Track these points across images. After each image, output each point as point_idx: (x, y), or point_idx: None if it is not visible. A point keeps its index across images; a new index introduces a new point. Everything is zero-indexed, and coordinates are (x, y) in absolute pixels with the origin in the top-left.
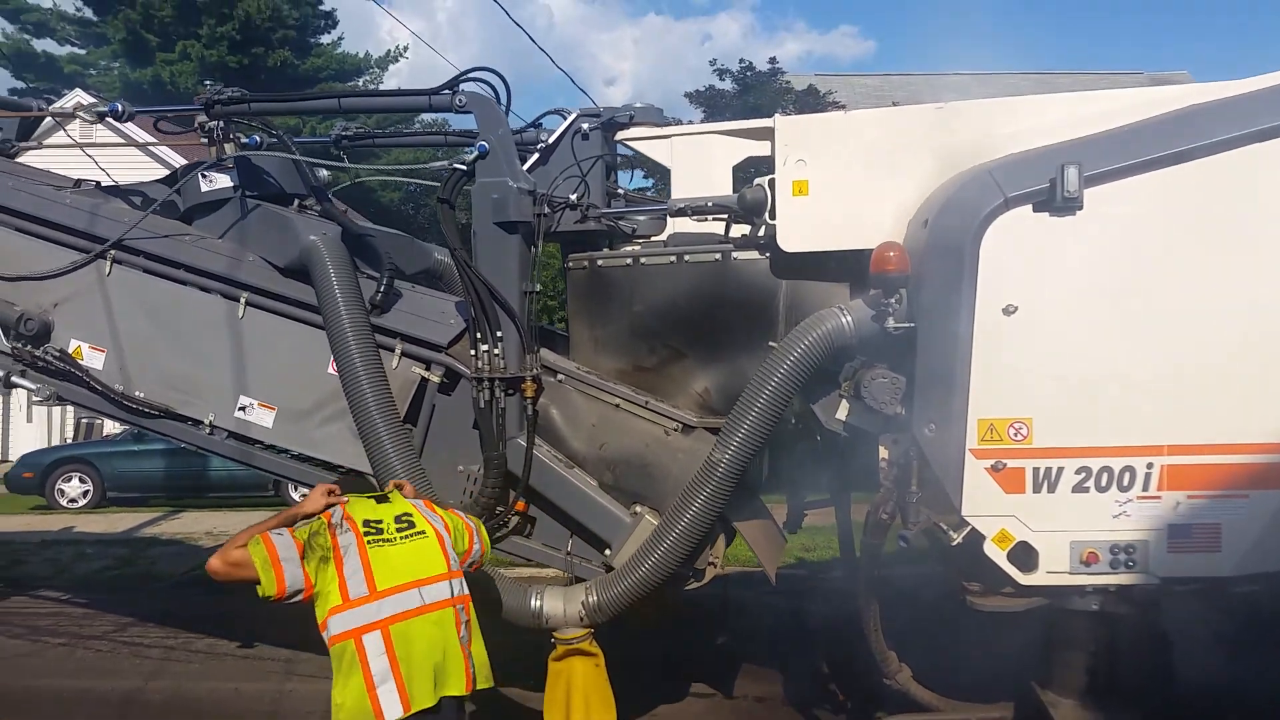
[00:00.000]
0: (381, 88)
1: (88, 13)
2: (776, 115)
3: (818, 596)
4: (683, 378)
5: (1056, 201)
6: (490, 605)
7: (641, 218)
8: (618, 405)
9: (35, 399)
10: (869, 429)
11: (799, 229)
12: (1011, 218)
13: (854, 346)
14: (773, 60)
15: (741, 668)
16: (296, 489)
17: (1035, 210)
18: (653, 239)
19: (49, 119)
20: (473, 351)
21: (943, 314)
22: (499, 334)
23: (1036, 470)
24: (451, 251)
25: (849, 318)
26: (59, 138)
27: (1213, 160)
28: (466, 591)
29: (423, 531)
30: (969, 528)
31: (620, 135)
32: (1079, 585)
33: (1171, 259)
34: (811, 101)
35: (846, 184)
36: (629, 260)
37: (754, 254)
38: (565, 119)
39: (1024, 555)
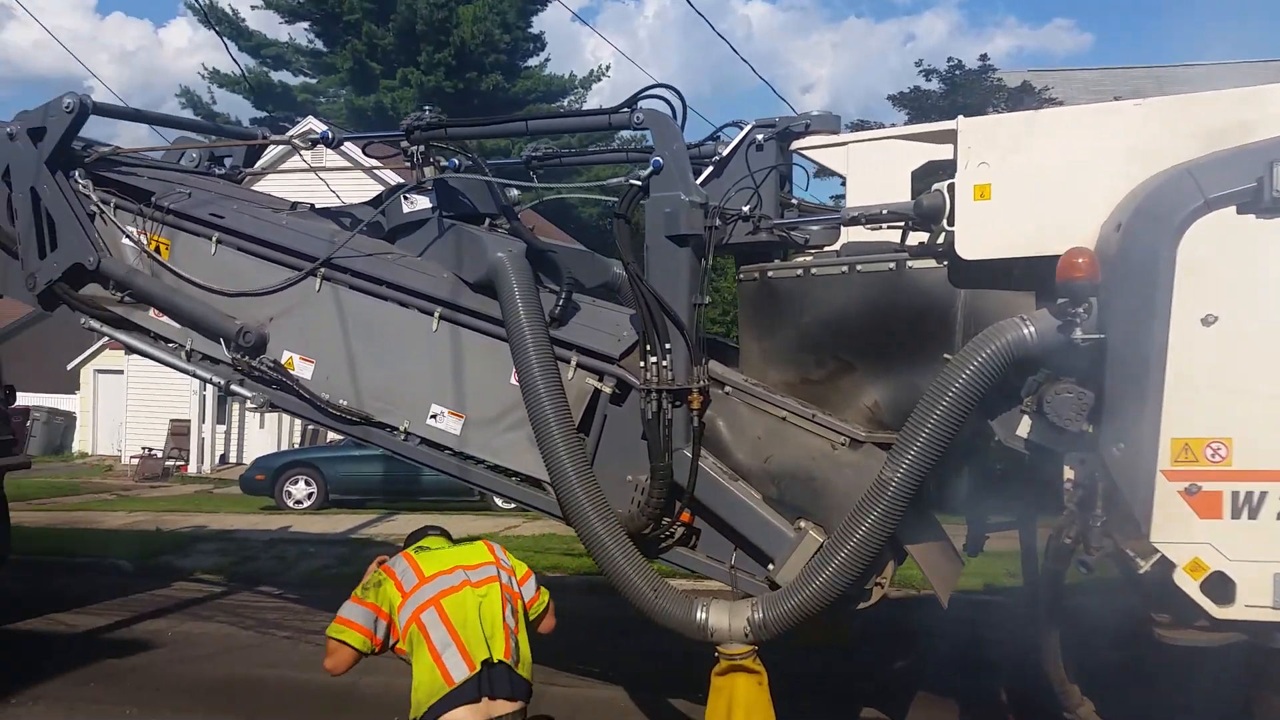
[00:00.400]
0: (585, 107)
1: (319, 44)
2: (959, 117)
3: (997, 624)
4: (852, 391)
5: (1264, 202)
6: (656, 613)
7: (815, 228)
8: (784, 418)
9: (249, 406)
10: (1052, 447)
11: (979, 235)
12: (1213, 220)
13: (1037, 359)
14: (983, 57)
15: (916, 695)
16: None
17: (1240, 212)
18: (826, 249)
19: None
20: (641, 363)
21: (1135, 324)
22: (667, 346)
23: (1236, 495)
24: (625, 265)
25: (1032, 328)
26: (294, 162)
27: None
28: (519, 592)
29: (472, 538)
30: (1158, 555)
31: (796, 145)
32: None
33: None
34: (1026, 99)
35: (1033, 187)
36: (799, 271)
37: (931, 262)
38: (742, 131)
39: (1219, 586)
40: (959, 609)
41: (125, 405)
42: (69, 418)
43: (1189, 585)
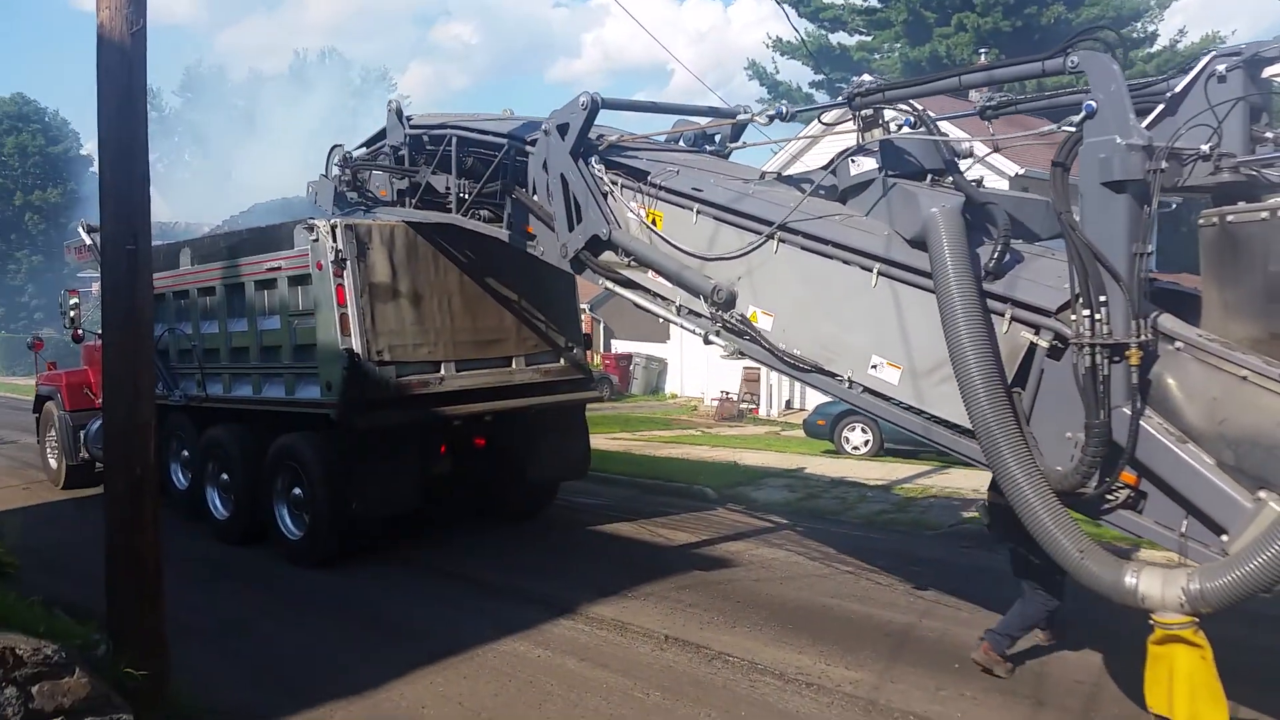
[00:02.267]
0: (1160, 28)
1: (873, 1)
2: None
3: None
4: None
5: None
6: (1081, 573)
7: None
8: (1245, 377)
9: (722, 355)
10: None
11: None
12: None
13: None
14: None
15: None
16: None
17: None
18: None
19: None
20: (1074, 316)
21: None
22: (1102, 298)
23: None
24: (1058, 215)
25: None
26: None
27: None
28: None
29: None
30: None
31: (1268, 71)
32: None
33: None
34: None
35: None
36: (1265, 214)
37: None
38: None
39: None
40: None
41: (706, 354)
42: (663, 363)
43: None
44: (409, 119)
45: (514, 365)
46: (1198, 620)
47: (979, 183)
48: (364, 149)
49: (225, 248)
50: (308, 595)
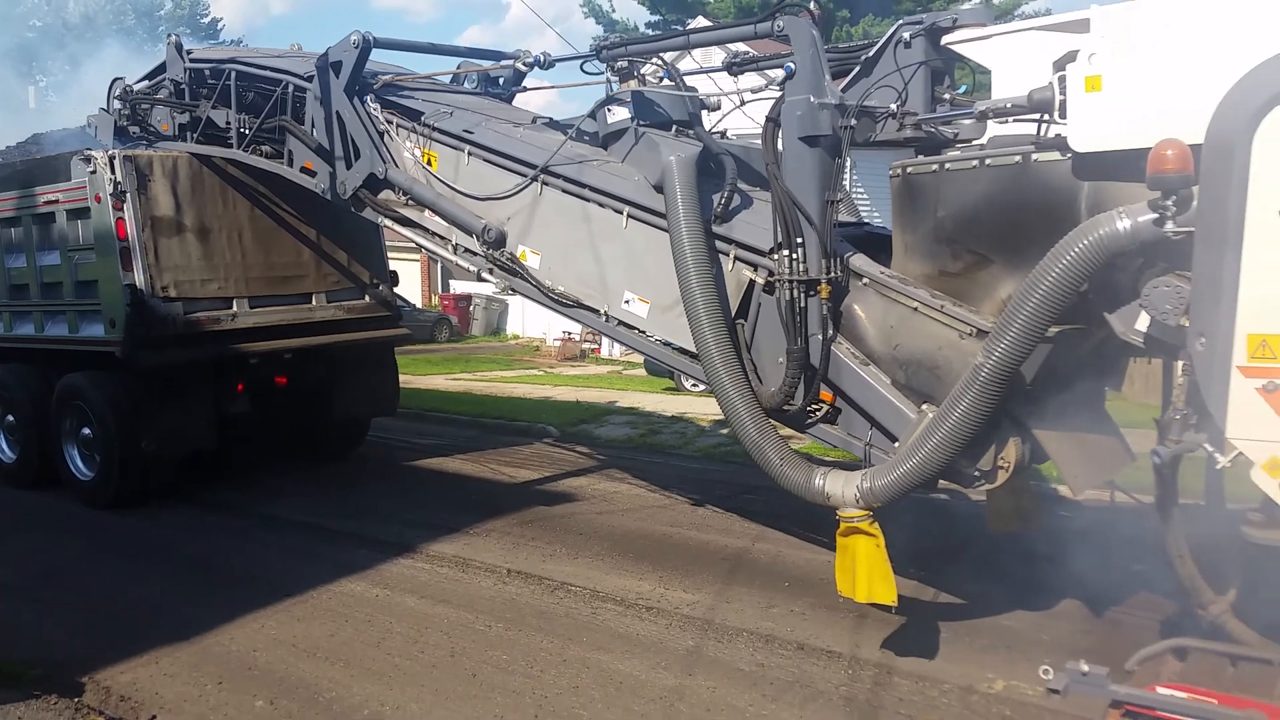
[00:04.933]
0: None
1: None
2: (1093, 5)
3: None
4: (989, 283)
5: None
6: (781, 478)
7: (966, 122)
8: (915, 308)
9: (494, 292)
10: (1167, 340)
11: (1091, 128)
12: None
13: (1133, 252)
14: None
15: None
16: None
17: None
18: (974, 143)
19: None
20: (775, 256)
21: (1214, 217)
22: (799, 240)
23: None
24: (766, 166)
25: (1126, 222)
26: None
27: None
28: None
29: None
30: (1236, 451)
31: (945, 39)
32: None
33: None
34: None
35: (1147, 77)
36: (934, 166)
37: (1055, 155)
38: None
39: None
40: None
41: None
42: (504, 304)
43: (1267, 483)
44: (189, 53)
45: (314, 302)
46: (871, 513)
47: (722, 134)
48: (145, 82)
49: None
50: (126, 542)
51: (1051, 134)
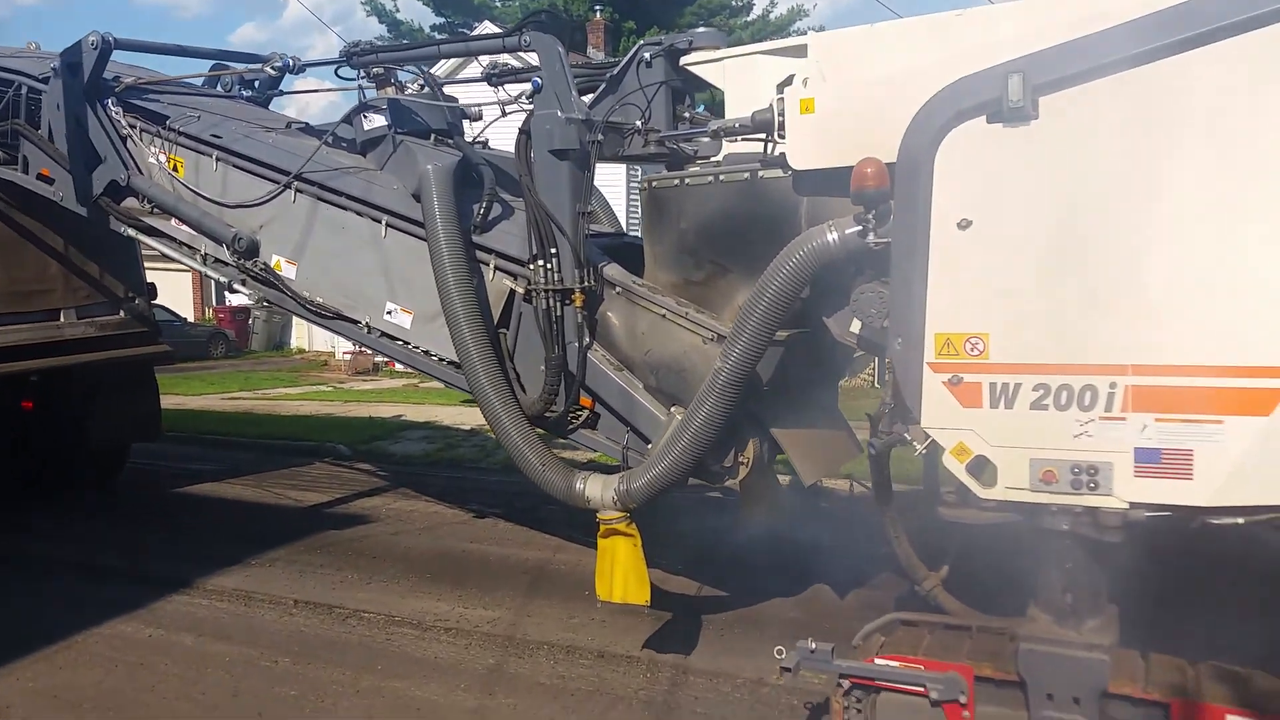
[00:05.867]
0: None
1: None
2: (810, 32)
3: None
4: (728, 291)
5: (1005, 112)
6: (543, 483)
7: (705, 139)
8: (663, 315)
9: (250, 304)
10: (875, 341)
11: (806, 147)
12: (965, 130)
13: (843, 262)
14: None
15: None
16: None
17: (989, 122)
18: (711, 160)
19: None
20: (531, 266)
21: (906, 229)
22: (553, 250)
23: (993, 385)
24: (519, 178)
25: (835, 234)
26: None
27: (1175, 61)
28: None
29: None
30: (930, 439)
31: (683, 60)
32: (1043, 504)
33: (1135, 169)
34: None
35: (852, 101)
36: (676, 181)
37: (778, 172)
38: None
39: (982, 469)
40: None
41: None
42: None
43: (956, 468)
44: None
45: (63, 319)
46: (629, 515)
47: (484, 144)
48: None
49: None
50: None
51: (776, 152)
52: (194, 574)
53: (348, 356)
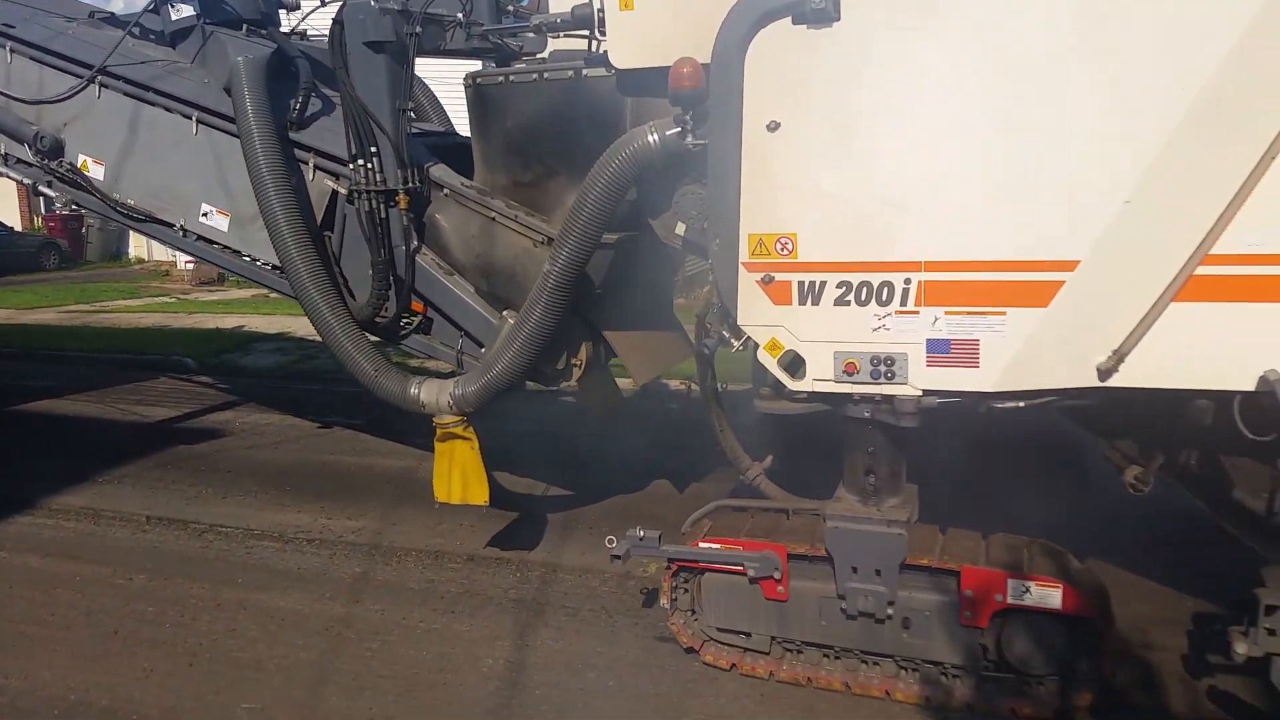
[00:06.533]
0: None
1: None
2: None
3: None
4: (559, 193)
5: (809, 13)
6: (377, 389)
7: (530, 34)
8: (493, 218)
9: (57, 207)
10: (698, 243)
11: (626, 45)
12: (772, 31)
13: (663, 164)
14: None
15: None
16: None
17: (794, 23)
18: (538, 56)
19: None
20: (352, 166)
21: (720, 130)
22: (374, 150)
23: (802, 284)
24: (334, 71)
25: (656, 135)
26: None
27: None
28: None
29: None
30: (746, 336)
31: None
32: (847, 394)
33: (928, 73)
34: None
35: None
36: (500, 78)
37: (602, 70)
38: None
39: (793, 363)
40: None
41: None
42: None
43: (769, 362)
44: None
45: None
46: (466, 418)
47: (302, 35)
48: None
49: None
50: None
51: (600, 50)
52: (37, 493)
53: (190, 266)
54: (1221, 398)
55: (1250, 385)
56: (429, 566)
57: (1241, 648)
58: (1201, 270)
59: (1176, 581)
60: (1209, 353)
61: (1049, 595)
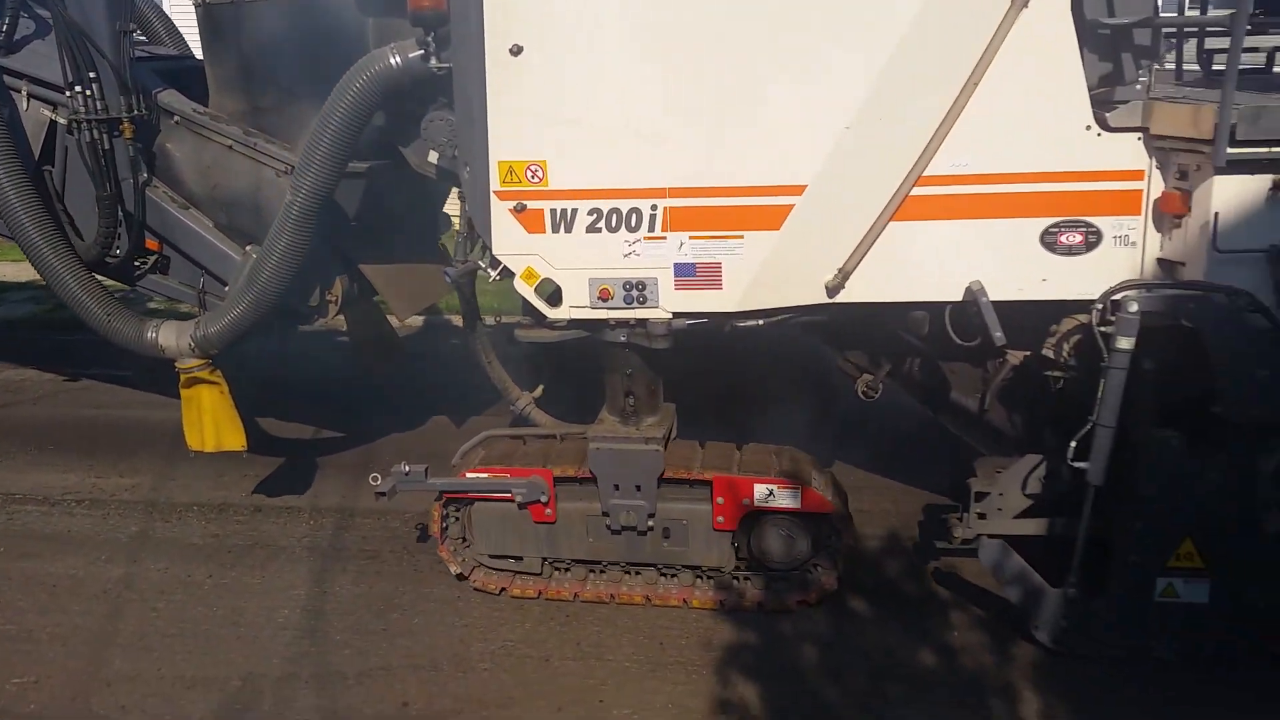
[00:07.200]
0: None
1: None
2: None
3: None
4: (300, 118)
5: None
6: (110, 334)
7: None
8: (230, 146)
9: None
10: (451, 170)
11: None
12: None
13: (409, 88)
14: None
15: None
16: None
17: None
18: None
19: None
20: (69, 93)
21: (464, 54)
22: (92, 75)
23: (554, 211)
24: None
25: (398, 58)
26: None
27: None
28: None
29: None
30: (501, 266)
31: None
32: (603, 319)
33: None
34: None
35: None
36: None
37: None
38: None
39: (550, 291)
40: None
41: None
42: None
43: (527, 291)
44: None
45: None
46: (211, 361)
47: None
48: None
49: None
50: None
51: None
52: None
53: None
54: (935, 309)
55: (959, 295)
56: (213, 520)
57: (958, 532)
58: (916, 191)
59: (911, 478)
60: (923, 268)
61: (790, 497)
